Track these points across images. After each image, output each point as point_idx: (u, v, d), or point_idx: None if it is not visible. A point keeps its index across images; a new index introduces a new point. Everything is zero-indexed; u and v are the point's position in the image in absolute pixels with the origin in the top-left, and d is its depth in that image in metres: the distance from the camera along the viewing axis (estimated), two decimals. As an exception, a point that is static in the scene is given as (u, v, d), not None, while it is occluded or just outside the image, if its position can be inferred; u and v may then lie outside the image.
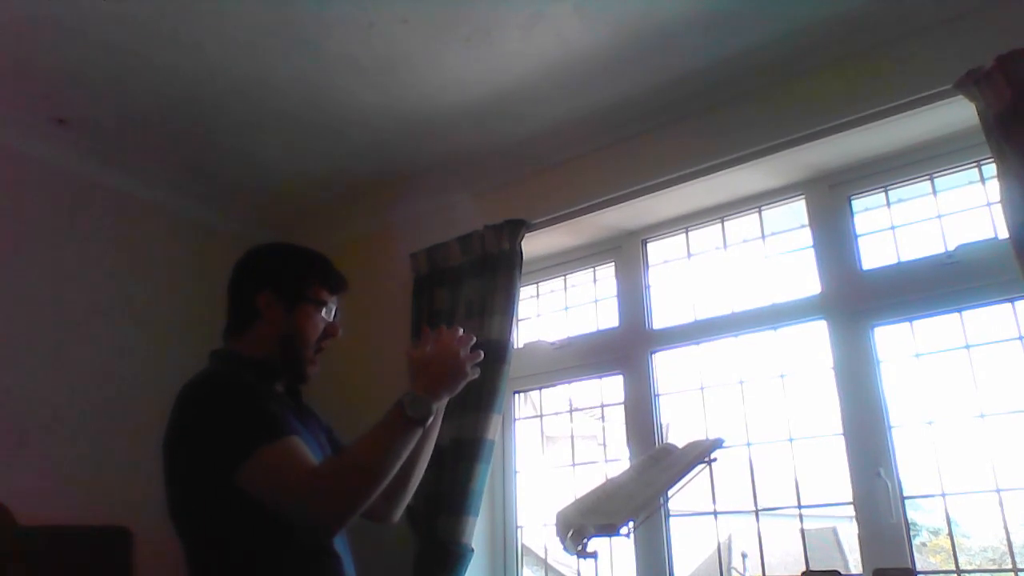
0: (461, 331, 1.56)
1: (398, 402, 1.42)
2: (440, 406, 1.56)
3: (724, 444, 1.70)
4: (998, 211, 1.84)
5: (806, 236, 2.25)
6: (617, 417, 2.48)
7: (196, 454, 1.39)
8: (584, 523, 1.47)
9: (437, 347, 1.53)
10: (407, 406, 1.41)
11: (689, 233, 2.52)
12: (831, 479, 2.06)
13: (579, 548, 1.46)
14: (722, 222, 2.46)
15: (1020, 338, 1.87)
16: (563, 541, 1.51)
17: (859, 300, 2.08)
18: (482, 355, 1.58)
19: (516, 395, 2.73)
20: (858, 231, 2.17)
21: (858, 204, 2.21)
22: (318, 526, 1.35)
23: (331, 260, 1.68)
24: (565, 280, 2.79)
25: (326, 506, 1.33)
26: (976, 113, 1.78)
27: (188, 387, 1.45)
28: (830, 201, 2.22)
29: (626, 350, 2.47)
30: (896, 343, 2.03)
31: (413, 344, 2.53)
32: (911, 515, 1.94)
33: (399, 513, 1.70)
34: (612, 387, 2.54)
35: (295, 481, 1.32)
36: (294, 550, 1.39)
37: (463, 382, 1.54)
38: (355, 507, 1.36)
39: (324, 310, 1.60)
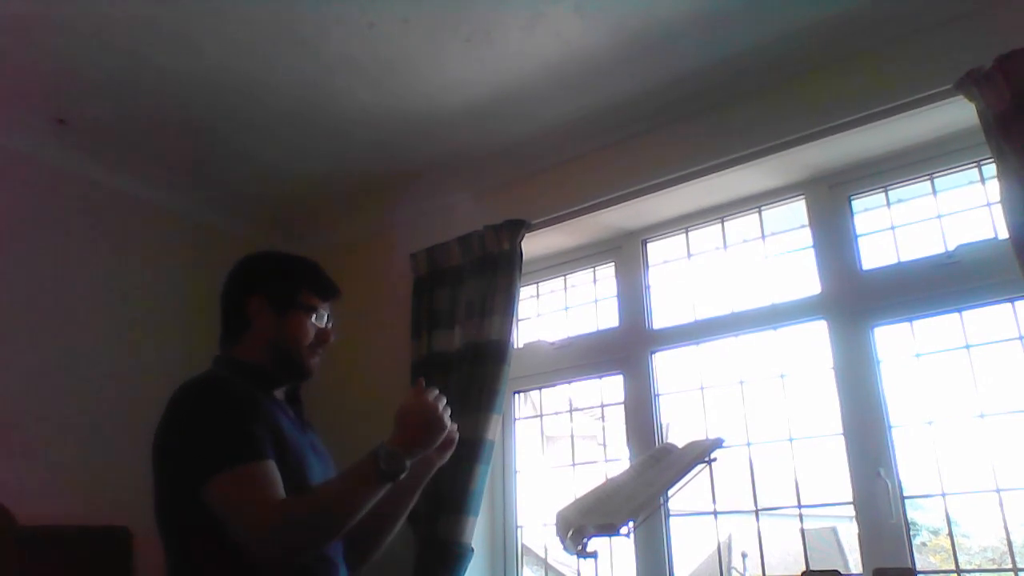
0: (436, 392, 1.51)
1: (373, 452, 1.38)
2: (414, 460, 1.46)
3: (724, 444, 1.70)
4: (998, 211, 1.84)
5: (806, 236, 2.25)
6: (617, 417, 2.48)
7: (172, 463, 1.39)
8: (584, 523, 1.47)
9: (415, 402, 1.48)
10: (381, 459, 1.37)
11: (689, 233, 2.52)
12: (831, 479, 2.06)
13: (579, 548, 1.45)
14: (722, 222, 2.46)
15: (1020, 338, 1.87)
16: (563, 541, 1.50)
17: (859, 300, 2.08)
18: (449, 410, 1.52)
19: (516, 395, 2.73)
20: (858, 231, 2.17)
21: (858, 204, 2.21)
22: (267, 559, 1.31)
23: (321, 266, 1.67)
24: (565, 280, 2.79)
25: (277, 542, 1.30)
26: (976, 113, 1.78)
27: (180, 390, 1.45)
28: (830, 201, 2.22)
29: (626, 350, 2.47)
30: (896, 343, 2.03)
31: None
32: (911, 515, 1.94)
33: (364, 566, 1.65)
34: (612, 387, 2.54)
35: (254, 510, 1.30)
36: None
37: (440, 436, 1.48)
38: (308, 549, 1.34)
39: (315, 316, 1.59)
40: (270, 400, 1.52)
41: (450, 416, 1.51)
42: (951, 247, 1.99)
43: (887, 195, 2.16)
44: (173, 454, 1.40)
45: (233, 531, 1.31)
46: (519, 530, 2.56)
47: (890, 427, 1.96)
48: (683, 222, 2.52)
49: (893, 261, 2.09)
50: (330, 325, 1.63)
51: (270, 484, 1.33)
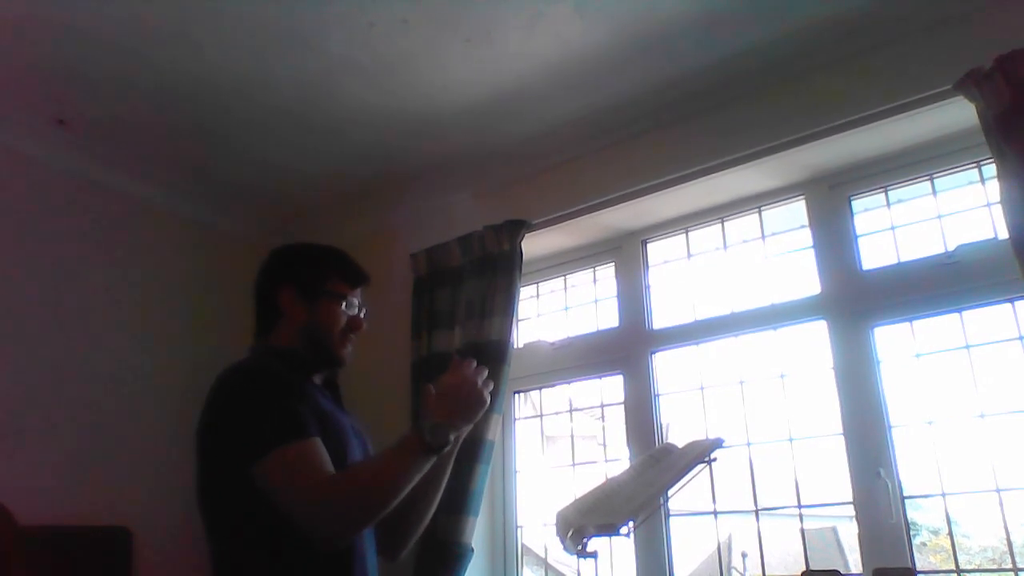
0: (475, 363, 1.58)
1: (417, 427, 1.44)
2: (458, 436, 1.55)
3: (724, 444, 1.70)
4: (998, 211, 1.84)
5: (806, 236, 2.25)
6: (617, 417, 2.48)
7: (219, 445, 1.42)
8: (584, 523, 1.47)
9: (455, 376, 1.54)
10: (427, 431, 1.42)
11: (689, 233, 2.52)
12: (831, 479, 2.06)
13: (579, 548, 1.45)
14: (722, 222, 2.46)
15: (1020, 338, 1.87)
16: (563, 541, 1.50)
17: (859, 300, 2.08)
18: (492, 385, 1.60)
19: (516, 395, 2.73)
20: (858, 231, 2.17)
21: (858, 204, 2.21)
22: (321, 536, 1.35)
23: (349, 254, 1.71)
24: (565, 280, 2.79)
25: (330, 518, 1.33)
26: (976, 113, 1.78)
27: (223, 376, 1.47)
28: (830, 201, 2.22)
29: (626, 350, 2.47)
30: (896, 343, 2.03)
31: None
32: (911, 515, 1.94)
33: (404, 551, 1.69)
34: (612, 387, 2.53)
35: (305, 487, 1.33)
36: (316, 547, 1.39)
37: (482, 411, 1.56)
38: (358, 525, 1.37)
39: (344, 303, 1.63)
40: (309, 384, 1.55)
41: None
42: (951, 247, 1.99)
43: (887, 195, 2.16)
44: (220, 437, 1.42)
45: (285, 509, 1.33)
46: (519, 530, 2.56)
47: (890, 427, 1.96)
48: (683, 222, 2.52)
49: (893, 261, 2.09)
50: (363, 313, 1.67)
51: (320, 462, 1.36)
